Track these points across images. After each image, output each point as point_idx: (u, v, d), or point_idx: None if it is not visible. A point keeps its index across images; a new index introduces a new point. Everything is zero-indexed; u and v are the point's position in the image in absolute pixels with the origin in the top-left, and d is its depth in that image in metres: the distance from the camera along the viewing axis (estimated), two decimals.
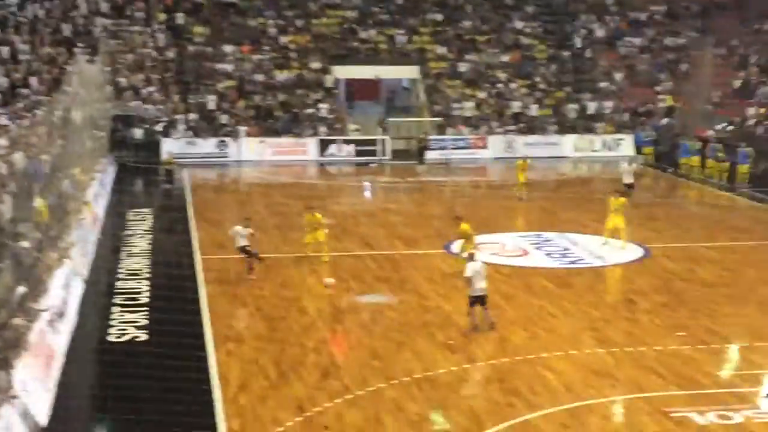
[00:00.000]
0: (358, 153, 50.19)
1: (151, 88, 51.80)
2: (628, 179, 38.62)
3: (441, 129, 51.89)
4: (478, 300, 22.30)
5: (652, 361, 20.72)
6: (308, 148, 50.19)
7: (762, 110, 49.52)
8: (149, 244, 30.90)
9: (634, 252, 30.36)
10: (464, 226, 27.90)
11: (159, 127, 49.54)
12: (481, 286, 22.20)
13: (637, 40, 58.89)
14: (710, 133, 48.48)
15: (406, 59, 55.97)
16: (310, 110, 52.05)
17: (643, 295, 25.88)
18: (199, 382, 19.19)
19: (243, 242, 26.87)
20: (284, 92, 53.16)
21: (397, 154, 50.41)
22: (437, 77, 55.40)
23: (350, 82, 57.30)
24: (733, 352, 21.84)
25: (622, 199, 31.26)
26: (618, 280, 27.86)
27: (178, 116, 50.30)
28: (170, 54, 54.40)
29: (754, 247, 31.94)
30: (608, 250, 30.51)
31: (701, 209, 39.32)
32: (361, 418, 17.67)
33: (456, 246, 28.76)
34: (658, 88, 55.65)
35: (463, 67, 55.98)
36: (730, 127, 49.34)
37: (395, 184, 44.59)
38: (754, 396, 18.94)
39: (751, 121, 48.96)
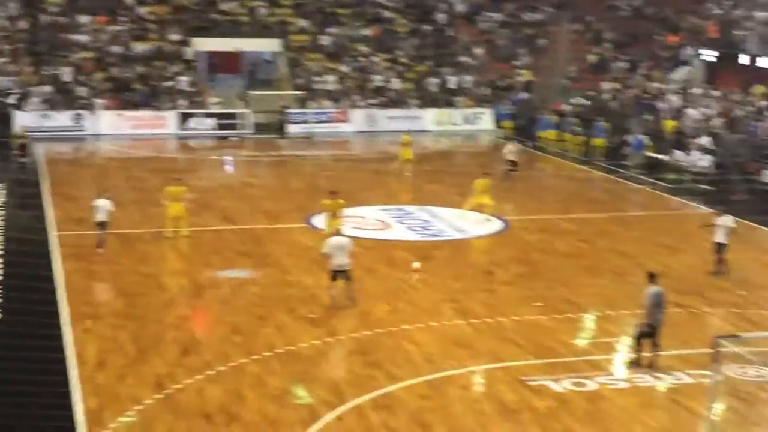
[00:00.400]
0: (220, 126, 49.53)
1: (3, 59, 50.16)
2: (512, 157, 39.10)
3: (303, 102, 51.65)
4: (339, 275, 22.29)
5: (510, 332, 21.13)
6: (168, 121, 49.30)
7: (616, 85, 50.75)
8: (2, 220, 29.98)
9: (494, 225, 30.83)
10: (341, 202, 27.79)
11: (11, 100, 47.98)
12: (339, 261, 22.16)
13: (497, 15, 59.61)
14: (566, 107, 49.50)
15: (268, 32, 55.46)
16: (169, 83, 51.15)
17: (501, 267, 26.32)
18: (55, 361, 18.74)
19: (103, 217, 26.32)
20: (143, 64, 52.11)
21: (259, 127, 49.97)
22: (299, 50, 55.09)
23: (211, 55, 56.53)
24: (588, 321, 22.42)
25: (488, 180, 31.65)
26: (477, 253, 28.25)
27: (31, 88, 48.81)
28: (23, 24, 52.73)
29: (608, 218, 32.81)
30: (468, 222, 30.92)
31: (558, 182, 40.11)
32: (222, 394, 17.53)
33: (322, 220, 28.65)
34: (516, 63, 56.46)
35: (324, 40, 55.80)
36: (586, 102, 50.45)
37: (257, 158, 44.26)
38: (608, 363, 19.49)
39: (606, 96, 50.16)
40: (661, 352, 19.04)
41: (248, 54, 57.42)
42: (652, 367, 18.90)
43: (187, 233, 28.04)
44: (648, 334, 19.07)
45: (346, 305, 22.22)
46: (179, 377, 18.14)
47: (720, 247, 25.51)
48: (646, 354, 19.10)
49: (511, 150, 39.59)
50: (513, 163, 39.03)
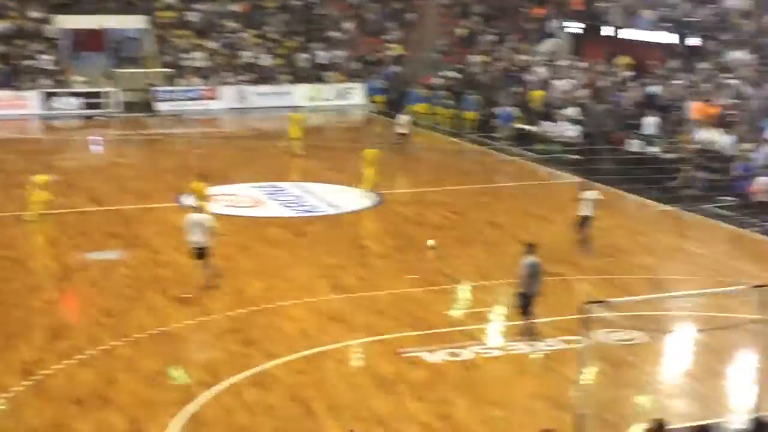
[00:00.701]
0: (85, 106, 48.34)
1: None
2: (402, 129, 39.72)
3: (171, 80, 50.79)
4: (197, 253, 21.89)
5: (385, 305, 21.20)
6: (30, 101, 47.84)
7: (485, 58, 51.23)
8: None
9: (368, 199, 30.86)
10: (201, 185, 27.30)
11: None
12: (196, 239, 21.76)
13: None
14: (437, 80, 49.79)
15: (133, 8, 54.30)
16: (30, 62, 49.68)
17: (376, 241, 26.41)
18: None
19: None
20: (2, 43, 50.47)
21: (126, 106, 48.94)
22: (166, 27, 54.11)
23: (74, 33, 55.04)
24: (462, 291, 22.63)
25: (375, 150, 31.59)
26: (352, 227, 28.21)
27: None
28: None
29: (480, 190, 33.16)
30: (342, 198, 30.91)
31: (430, 155, 40.28)
32: (94, 378, 17.18)
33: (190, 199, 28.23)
34: (386, 37, 56.56)
35: (192, 16, 54.93)
36: (456, 75, 50.83)
37: (125, 137, 43.34)
38: (482, 333, 19.71)
39: (475, 69, 50.61)
40: (535, 320, 19.31)
41: (113, 31, 56.08)
42: (529, 334, 19.12)
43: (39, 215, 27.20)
44: (525, 303, 19.28)
45: (217, 284, 21.93)
46: (48, 363, 17.70)
47: (585, 220, 25.62)
48: (522, 322, 19.31)
49: (401, 122, 39.89)
50: (402, 135, 39.50)
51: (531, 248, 19.70)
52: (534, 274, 19.21)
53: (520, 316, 19.37)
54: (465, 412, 16.05)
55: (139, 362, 17.93)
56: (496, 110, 42.99)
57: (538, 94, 44.49)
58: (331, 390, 16.91)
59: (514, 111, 42.53)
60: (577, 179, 30.42)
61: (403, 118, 40.44)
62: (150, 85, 49.18)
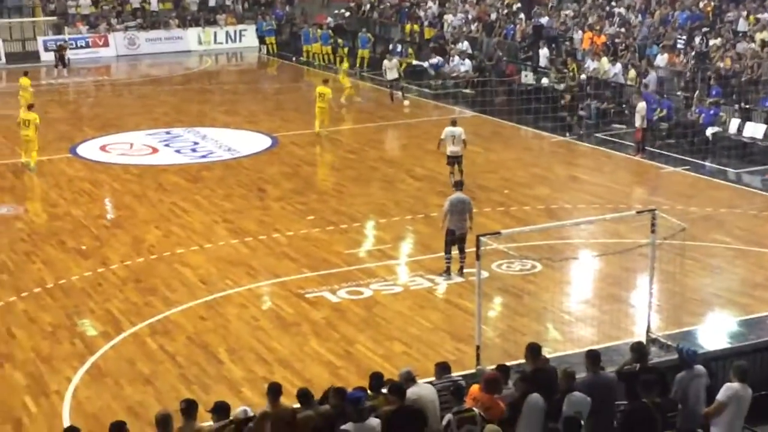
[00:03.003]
0: None
1: None
2: (391, 75, 37.08)
3: (58, 29, 49.57)
4: None
5: (285, 247, 21.27)
6: None
7: None
8: None
9: (263, 142, 30.75)
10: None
11: None
12: None
13: None
14: (329, 20, 49.51)
15: None
16: None
17: (273, 184, 26.35)
18: None
19: None
20: None
21: (12, 57, 47.69)
22: None
23: None
24: (359, 230, 22.75)
25: (328, 89, 31.33)
26: (248, 171, 28.03)
27: None
28: None
29: (375, 128, 33.24)
30: (238, 141, 30.76)
31: None
32: None
33: None
34: None
35: None
36: (347, 14, 50.62)
37: (13, 89, 42.22)
38: (380, 270, 19.90)
39: (367, 7, 50.43)
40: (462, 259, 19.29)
41: None
42: (460, 272, 19.19)
43: None
44: (454, 242, 19.19)
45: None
46: None
47: (453, 160, 25.02)
48: (455, 261, 19.29)
49: (389, 67, 37.35)
50: (395, 81, 37.08)
51: (458, 185, 19.83)
52: (461, 210, 19.18)
53: (445, 254, 19.28)
54: (367, 349, 16.27)
55: (37, 317, 17.77)
56: (390, 47, 42.96)
57: (429, 30, 44.61)
58: (233, 334, 16.98)
59: (407, 47, 42.58)
60: (468, 113, 30.68)
61: (389, 63, 37.55)
62: (64, 42, 47.59)
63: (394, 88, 37.00)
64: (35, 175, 27.40)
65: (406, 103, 36.03)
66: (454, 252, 19.23)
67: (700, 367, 12.12)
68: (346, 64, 39.73)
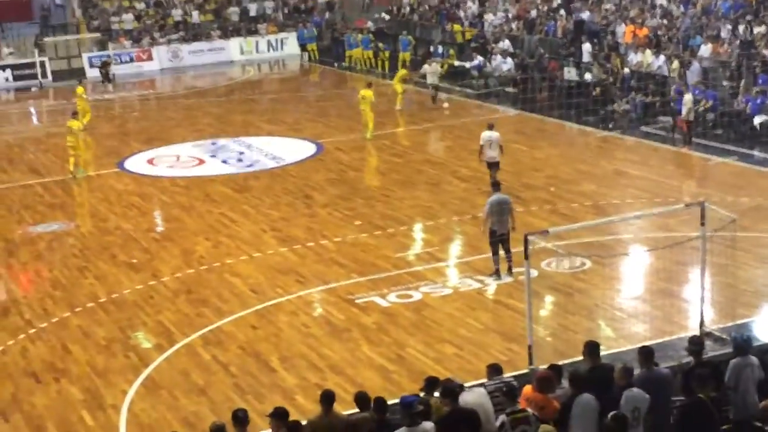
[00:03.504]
0: (16, 78, 47.56)
1: None
2: (432, 79, 36.69)
3: (102, 45, 50.09)
4: None
5: (333, 253, 21.32)
6: None
7: None
8: None
9: (308, 149, 30.85)
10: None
11: None
12: None
13: None
14: (369, 24, 49.57)
15: None
16: None
17: (319, 190, 26.42)
18: None
19: None
20: None
21: (58, 75, 48.24)
22: None
23: None
24: (408, 233, 22.75)
25: (370, 92, 31.36)
26: (294, 179, 28.13)
27: None
28: None
29: (420, 130, 33.24)
30: (283, 149, 30.89)
31: None
32: (47, 351, 17.24)
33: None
34: None
35: None
36: (388, 17, 50.67)
37: (61, 107, 42.74)
38: (429, 272, 19.88)
39: (406, 9, 50.46)
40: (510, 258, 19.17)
41: (37, 0, 55.11)
42: (509, 272, 19.09)
43: None
44: (499, 242, 19.12)
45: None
46: (0, 340, 17.67)
47: (492, 164, 24.72)
48: (503, 261, 19.21)
49: (429, 70, 37.00)
50: (435, 88, 36.63)
51: (497, 186, 19.78)
52: (501, 211, 19.14)
53: (492, 256, 19.20)
54: (418, 353, 16.27)
55: (91, 331, 17.96)
56: (431, 49, 42.94)
57: (470, 30, 44.55)
58: (284, 342, 17.06)
59: (448, 48, 42.55)
60: (512, 111, 30.54)
61: (429, 68, 37.12)
62: (109, 58, 48.17)
63: (437, 90, 36.84)
64: (85, 189, 27.73)
65: (446, 105, 35.97)
66: (501, 253, 19.16)
67: (753, 357, 12.00)
68: (403, 71, 38.63)
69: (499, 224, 19.08)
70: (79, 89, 36.01)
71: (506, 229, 19.08)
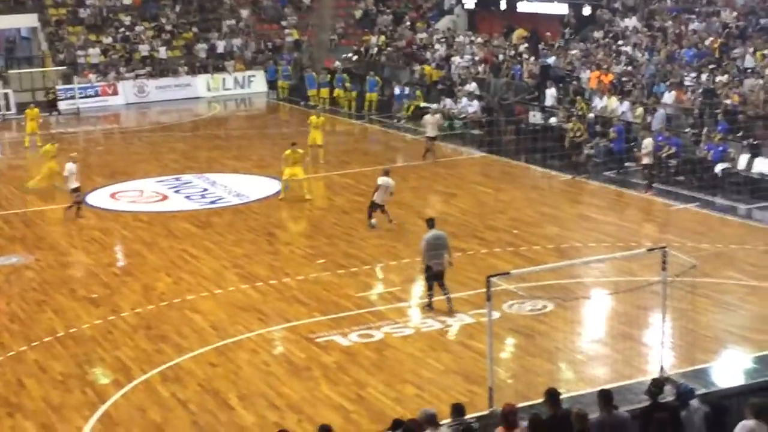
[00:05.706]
0: None
1: None
2: (432, 132, 34.55)
3: (67, 78, 49.88)
4: None
5: (295, 291, 21.24)
6: None
7: (382, 38, 51.33)
8: None
9: (272, 186, 30.77)
10: None
11: None
12: None
13: None
14: (337, 63, 49.71)
15: (23, 7, 53.23)
16: None
17: (282, 228, 26.37)
18: None
19: None
20: None
21: (22, 107, 47.86)
22: (58, 24, 53.16)
23: None
24: (370, 273, 22.70)
25: (300, 151, 30.12)
26: (258, 216, 28.04)
27: None
28: None
29: (382, 171, 33.12)
30: (247, 187, 30.81)
31: (333, 139, 39.96)
32: (2, 386, 17.06)
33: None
34: (284, 23, 56.29)
35: (83, 12, 54.03)
36: (355, 57, 50.87)
37: (23, 139, 42.40)
38: (391, 312, 19.83)
39: (374, 50, 50.69)
40: (451, 295, 19.48)
41: (3, 31, 54.93)
42: (450, 312, 19.32)
43: None
44: (433, 277, 19.47)
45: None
46: None
47: (377, 207, 25.50)
48: (439, 297, 19.50)
49: (429, 121, 34.98)
50: (431, 140, 34.40)
51: (431, 222, 19.99)
52: (436, 247, 19.39)
53: (436, 291, 19.54)
54: (379, 393, 16.17)
55: (47, 366, 17.73)
56: (395, 90, 43.12)
57: (437, 72, 44.78)
58: (244, 380, 16.92)
59: (414, 90, 42.75)
60: (477, 153, 30.57)
61: (431, 118, 35.11)
62: (53, 87, 48.11)
63: (433, 142, 34.48)
64: (46, 222, 27.54)
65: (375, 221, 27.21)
66: (437, 290, 19.54)
67: (694, 402, 12.09)
68: (321, 118, 36.08)
69: (435, 260, 19.35)
70: (50, 147, 32.06)
71: (442, 266, 19.42)
